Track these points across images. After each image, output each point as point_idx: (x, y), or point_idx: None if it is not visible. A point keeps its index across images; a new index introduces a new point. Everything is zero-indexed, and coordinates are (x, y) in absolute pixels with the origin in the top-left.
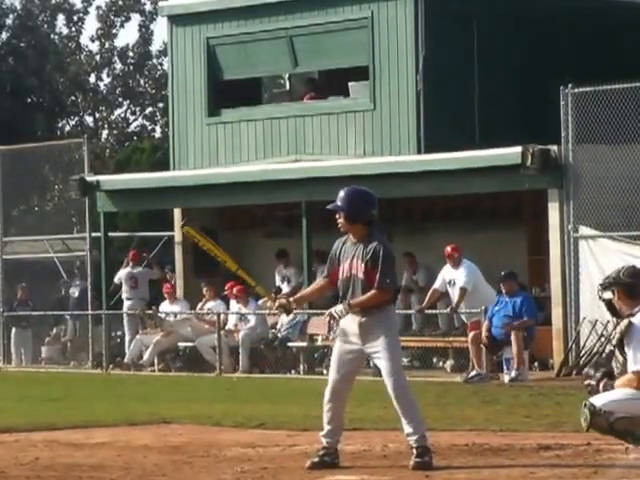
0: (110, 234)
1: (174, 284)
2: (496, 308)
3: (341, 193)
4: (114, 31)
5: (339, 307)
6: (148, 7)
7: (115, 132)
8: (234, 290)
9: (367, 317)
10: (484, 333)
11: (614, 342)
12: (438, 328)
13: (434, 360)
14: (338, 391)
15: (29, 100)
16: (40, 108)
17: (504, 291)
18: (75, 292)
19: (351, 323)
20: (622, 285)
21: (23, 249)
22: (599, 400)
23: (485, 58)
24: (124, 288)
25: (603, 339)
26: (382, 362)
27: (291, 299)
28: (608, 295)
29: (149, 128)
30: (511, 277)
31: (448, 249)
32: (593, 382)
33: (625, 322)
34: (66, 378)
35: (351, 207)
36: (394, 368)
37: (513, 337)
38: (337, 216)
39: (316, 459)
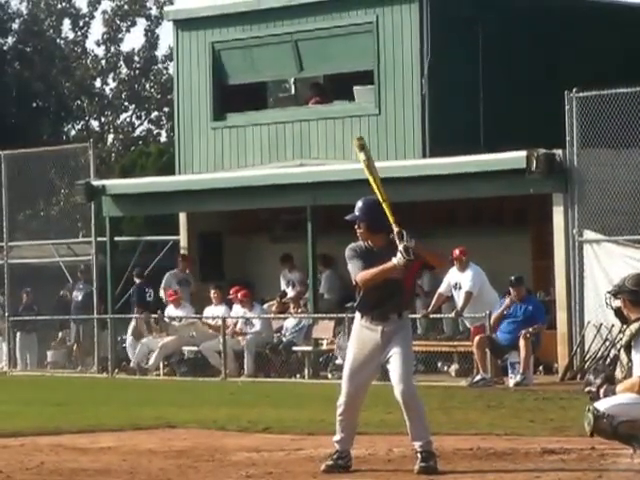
0: (115, 238)
1: (177, 290)
2: (503, 310)
3: (359, 203)
4: (120, 36)
5: (399, 252)
6: (154, 12)
7: (121, 136)
8: (239, 295)
9: (390, 326)
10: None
11: (622, 344)
12: (443, 332)
13: (439, 364)
14: (352, 401)
15: (35, 105)
16: (46, 113)
17: (514, 296)
18: (78, 296)
19: (372, 333)
20: (627, 293)
21: (29, 253)
22: (603, 404)
23: (490, 62)
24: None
25: (608, 343)
26: (394, 366)
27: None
28: (617, 303)
29: (155, 132)
30: (521, 282)
31: (456, 252)
32: (593, 389)
33: (636, 325)
34: (71, 382)
35: (371, 217)
36: (405, 374)
37: (522, 342)
38: (356, 226)
39: (330, 462)
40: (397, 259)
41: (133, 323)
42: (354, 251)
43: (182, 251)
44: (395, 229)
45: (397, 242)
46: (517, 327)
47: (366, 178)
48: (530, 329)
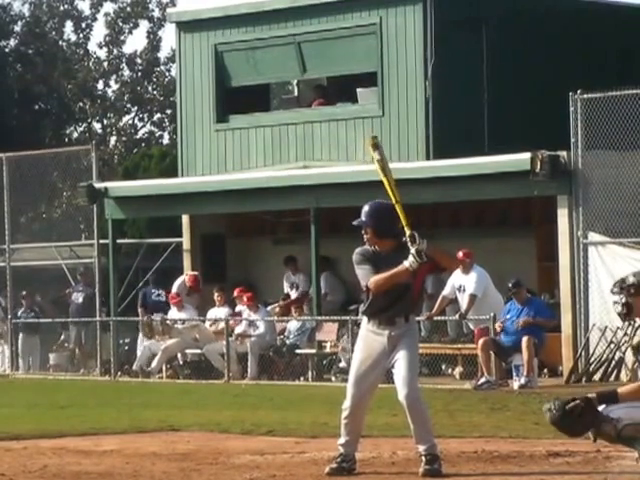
0: (118, 241)
1: (180, 292)
2: (508, 316)
3: (365, 208)
4: (122, 38)
5: (411, 256)
6: (156, 14)
7: (123, 139)
8: (245, 297)
9: (397, 330)
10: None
11: (631, 344)
12: (447, 335)
13: (443, 367)
14: (358, 405)
15: (37, 107)
16: (48, 115)
17: (516, 302)
18: (79, 298)
19: (379, 337)
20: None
21: (31, 256)
22: (609, 408)
23: (494, 64)
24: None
25: (612, 346)
26: (399, 370)
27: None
28: (623, 299)
29: (157, 135)
30: (520, 286)
31: (460, 254)
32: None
33: None
34: (74, 385)
35: (378, 222)
36: (410, 377)
37: (524, 344)
38: (363, 231)
39: (334, 465)
40: (410, 262)
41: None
42: (362, 256)
43: (185, 254)
44: (407, 232)
45: (409, 245)
46: (520, 329)
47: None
48: (525, 337)
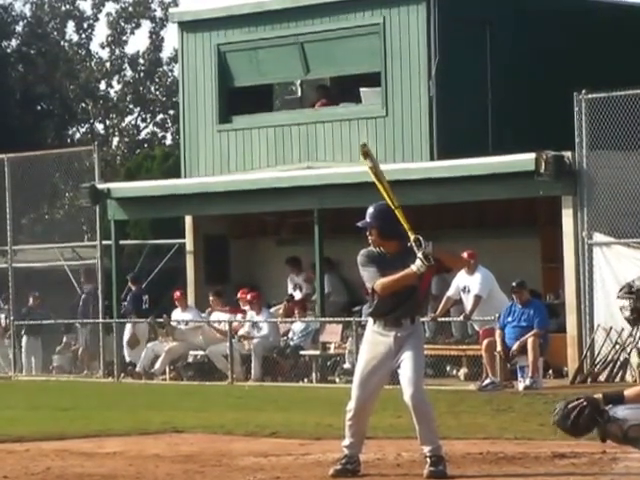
0: (121, 242)
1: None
2: (509, 319)
3: (370, 209)
4: (124, 38)
5: (419, 260)
6: (158, 14)
7: (126, 139)
8: (248, 296)
9: (403, 332)
10: (499, 347)
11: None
12: (451, 336)
13: (447, 368)
14: (363, 406)
15: (39, 107)
16: (50, 115)
17: (517, 301)
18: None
19: (385, 339)
20: None
21: (33, 257)
22: (616, 409)
23: (498, 64)
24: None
25: (618, 347)
26: (405, 370)
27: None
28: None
29: (160, 135)
30: (523, 287)
31: (464, 255)
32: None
33: None
34: (77, 387)
35: (383, 223)
36: (416, 378)
37: (529, 345)
38: (368, 233)
39: (339, 467)
40: (417, 266)
41: (127, 332)
42: (367, 257)
43: (187, 255)
44: (411, 236)
45: (415, 249)
46: (522, 332)
47: (373, 181)
48: (530, 338)
